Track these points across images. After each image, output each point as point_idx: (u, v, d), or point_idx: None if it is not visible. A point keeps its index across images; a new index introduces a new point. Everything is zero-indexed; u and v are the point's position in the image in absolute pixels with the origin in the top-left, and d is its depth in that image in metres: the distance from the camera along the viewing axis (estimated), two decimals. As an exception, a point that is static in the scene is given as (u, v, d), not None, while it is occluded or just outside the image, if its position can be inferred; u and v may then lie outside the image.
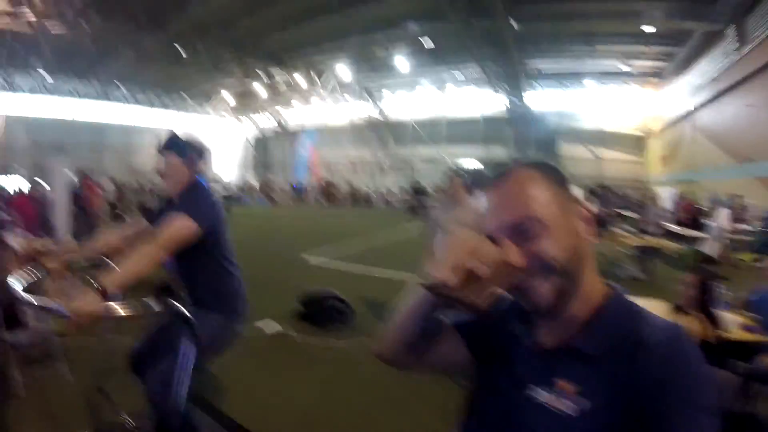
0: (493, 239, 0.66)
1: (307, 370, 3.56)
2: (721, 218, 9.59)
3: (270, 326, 4.29)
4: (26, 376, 3.06)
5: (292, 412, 2.91)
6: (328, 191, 26.44)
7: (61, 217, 6.66)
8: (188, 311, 1.98)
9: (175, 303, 1.64)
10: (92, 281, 1.49)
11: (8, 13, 13.58)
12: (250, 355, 3.70)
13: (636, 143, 30.56)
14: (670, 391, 0.55)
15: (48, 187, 7.29)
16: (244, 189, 31.94)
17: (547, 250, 0.64)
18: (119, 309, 1.59)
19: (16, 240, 4.71)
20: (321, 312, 4.47)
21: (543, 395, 0.65)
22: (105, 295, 1.46)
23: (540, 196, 0.66)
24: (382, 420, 2.88)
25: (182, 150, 2.02)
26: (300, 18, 16.79)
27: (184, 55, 18.86)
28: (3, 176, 18.05)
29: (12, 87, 21.80)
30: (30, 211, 6.36)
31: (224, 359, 3.49)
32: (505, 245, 0.64)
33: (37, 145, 23.68)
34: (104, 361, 2.26)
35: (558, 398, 0.63)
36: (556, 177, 0.70)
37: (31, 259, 4.11)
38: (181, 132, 2.14)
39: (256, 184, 33.70)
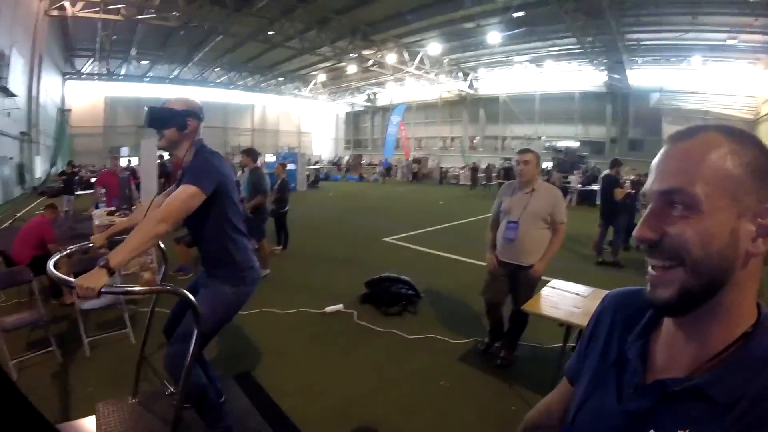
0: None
1: (358, 353, 3.53)
2: None
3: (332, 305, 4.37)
4: (95, 338, 3.29)
5: (331, 396, 2.87)
6: (416, 168, 26.42)
7: (149, 192, 7.15)
8: (201, 282, 2.12)
9: (180, 289, 1.66)
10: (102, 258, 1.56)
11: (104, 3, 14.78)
12: (308, 331, 3.87)
13: (744, 128, 26.51)
14: None
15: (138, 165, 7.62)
16: (334, 164, 33.06)
17: (683, 235, 0.51)
18: (126, 286, 2.01)
19: (98, 214, 5.20)
20: (386, 296, 4.38)
21: None
22: (110, 272, 1.52)
23: (709, 172, 0.51)
24: (422, 414, 2.72)
25: (172, 121, 1.94)
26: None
27: (275, 38, 19.57)
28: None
29: (114, 75, 24.47)
30: (114, 185, 7.10)
31: (286, 333, 3.80)
32: (646, 212, 0.56)
33: (140, 127, 26.68)
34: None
35: None
36: (753, 158, 0.52)
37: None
38: (169, 100, 2.02)
39: (346, 159, 34.52)
